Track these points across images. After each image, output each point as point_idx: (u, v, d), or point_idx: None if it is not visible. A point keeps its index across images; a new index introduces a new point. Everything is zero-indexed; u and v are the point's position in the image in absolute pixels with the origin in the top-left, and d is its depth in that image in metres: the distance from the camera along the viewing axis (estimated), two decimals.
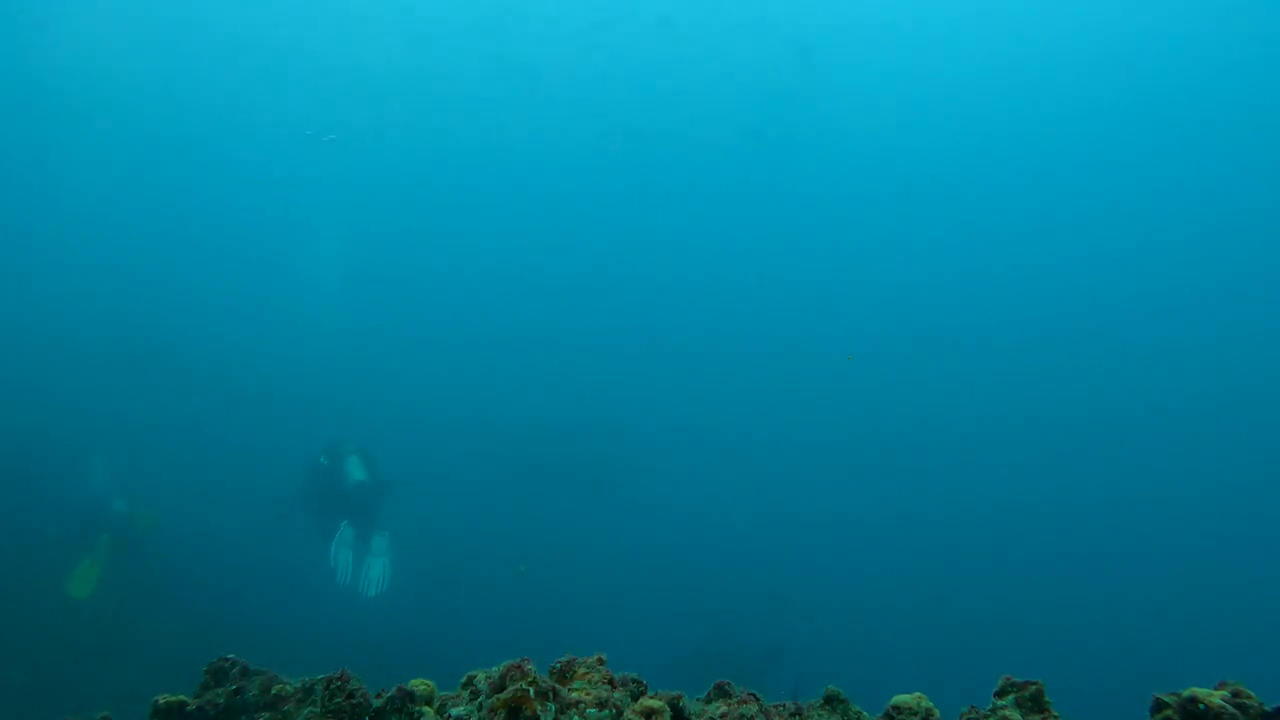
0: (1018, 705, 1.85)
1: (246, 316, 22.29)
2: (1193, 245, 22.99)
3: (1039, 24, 20.64)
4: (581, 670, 1.73)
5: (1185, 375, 23.23)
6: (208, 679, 2.37)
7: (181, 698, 2.26)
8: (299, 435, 12.63)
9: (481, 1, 21.07)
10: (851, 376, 23.37)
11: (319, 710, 1.83)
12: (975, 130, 23.29)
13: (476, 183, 25.31)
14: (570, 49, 21.99)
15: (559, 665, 1.75)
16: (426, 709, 1.88)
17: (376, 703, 1.84)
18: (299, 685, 2.32)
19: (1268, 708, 1.66)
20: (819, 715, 1.95)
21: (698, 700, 1.98)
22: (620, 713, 1.64)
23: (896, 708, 1.89)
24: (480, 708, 1.68)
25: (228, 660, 2.39)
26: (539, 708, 1.55)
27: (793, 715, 1.91)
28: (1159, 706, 1.75)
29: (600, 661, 1.76)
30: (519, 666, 1.62)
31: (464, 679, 2.00)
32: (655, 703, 1.68)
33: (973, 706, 1.91)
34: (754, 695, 1.91)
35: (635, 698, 1.78)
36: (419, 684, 1.99)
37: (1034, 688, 1.86)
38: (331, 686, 1.84)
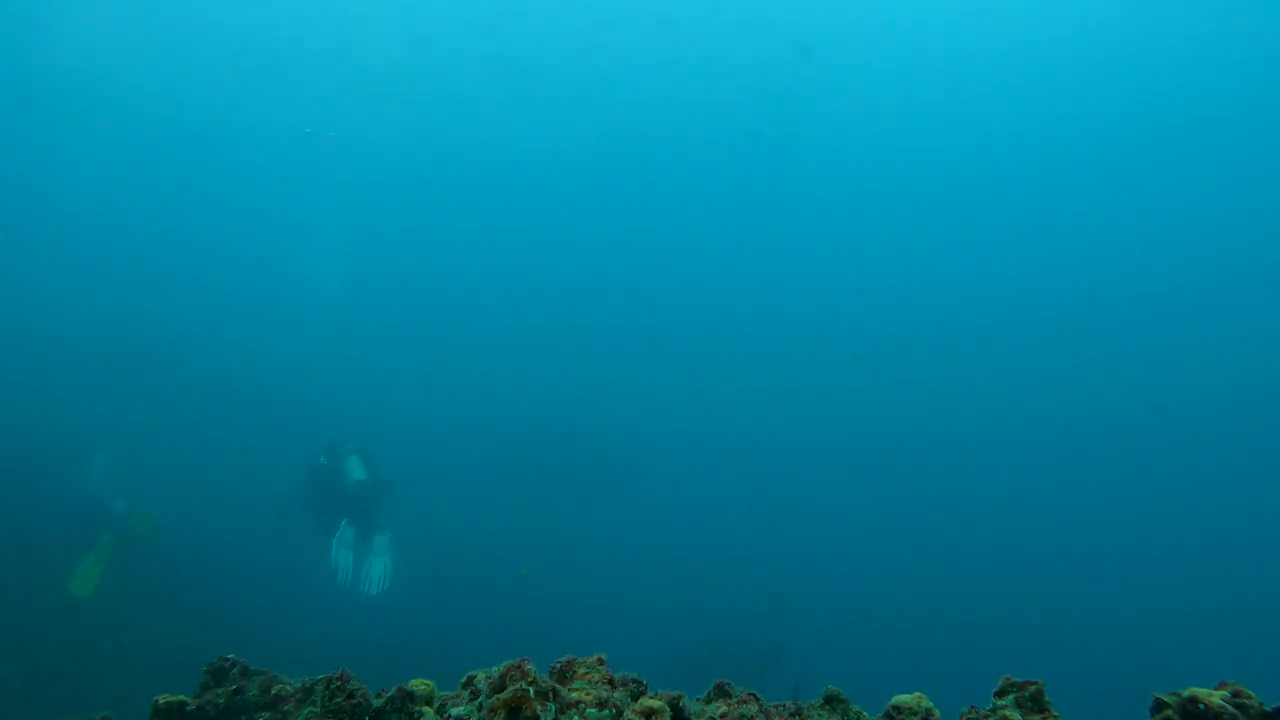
0: (1018, 705, 1.85)
1: (246, 316, 22.30)
2: (1192, 245, 23.00)
3: (1039, 23, 20.64)
4: (581, 670, 1.73)
5: (1185, 375, 23.23)
6: (208, 679, 2.37)
7: (181, 698, 2.26)
8: (299, 435, 12.63)
9: (482, 1, 21.07)
10: (851, 376, 23.37)
11: (319, 710, 1.83)
12: (975, 130, 23.30)
13: (476, 182, 25.32)
14: (570, 49, 22.00)
15: (559, 665, 1.75)
16: (426, 709, 1.88)
17: (376, 703, 1.84)
18: (299, 685, 2.32)
19: (1268, 708, 1.66)
20: (819, 715, 1.95)
21: (698, 700, 1.98)
22: (620, 713, 1.64)
23: (896, 708, 1.89)
24: (480, 708, 1.68)
25: (228, 660, 2.39)
26: (539, 708, 1.55)
27: (793, 715, 1.91)
28: (1159, 706, 1.75)
29: (600, 661, 1.76)
30: (519, 666, 1.62)
31: (464, 679, 2.00)
32: (655, 703, 1.68)
33: (973, 706, 1.91)
34: (754, 695, 1.91)
35: (635, 698, 1.78)
36: (419, 684, 1.99)
37: (1034, 688, 1.86)
38: (331, 686, 1.84)
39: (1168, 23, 19.96)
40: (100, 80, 20.74)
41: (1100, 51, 20.77)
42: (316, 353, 20.69)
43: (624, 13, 21.18)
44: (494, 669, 1.70)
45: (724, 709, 1.83)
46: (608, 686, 1.69)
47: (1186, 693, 1.72)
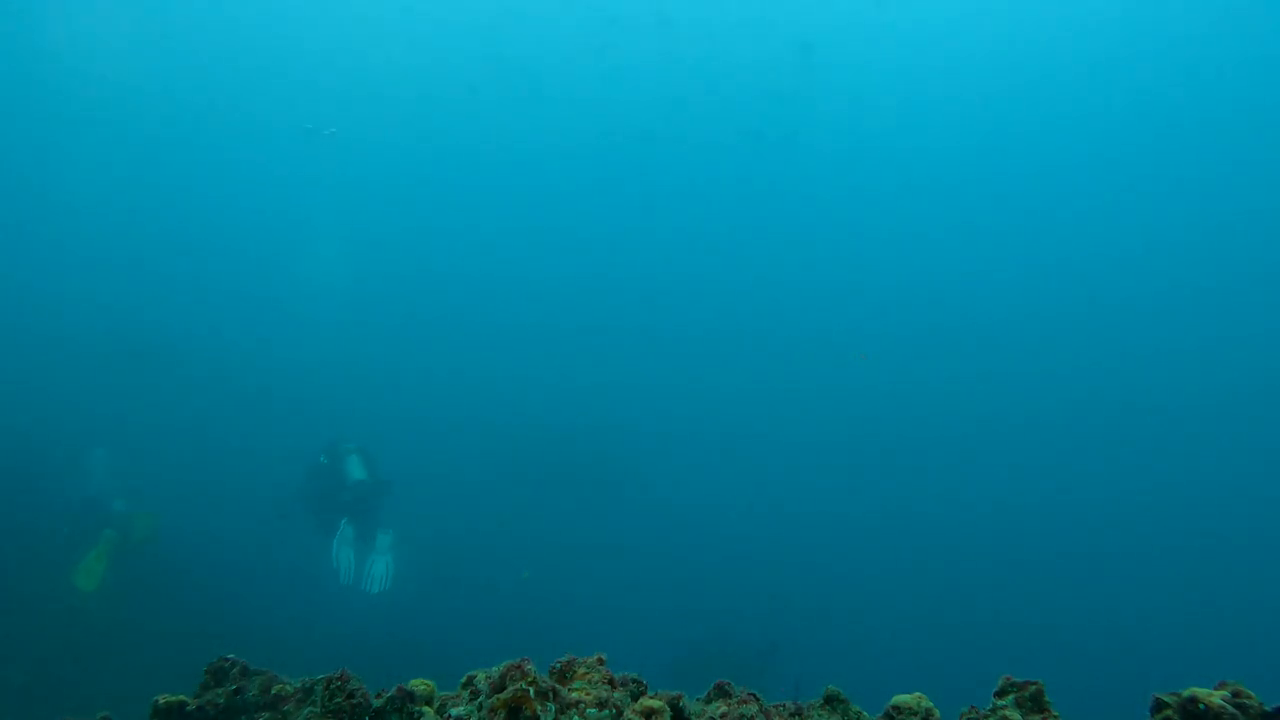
0: (1018, 705, 1.85)
1: (246, 316, 22.29)
2: (1193, 245, 23.00)
3: (1040, 22, 20.63)
4: (581, 670, 1.73)
5: (1185, 375, 23.23)
6: (208, 679, 2.37)
7: (181, 698, 2.26)
8: (299, 435, 12.63)
9: (483, 2, 21.07)
10: (851, 376, 23.37)
11: (319, 710, 1.83)
12: (975, 130, 23.29)
13: (477, 182, 25.32)
14: (572, 49, 22.00)
15: (559, 665, 1.75)
16: (426, 709, 1.88)
17: (376, 703, 1.84)
18: (299, 685, 2.32)
19: (1268, 708, 1.66)
20: (819, 715, 1.95)
21: (698, 700, 1.98)
22: (620, 713, 1.64)
23: (896, 708, 1.89)
24: (480, 708, 1.68)
25: (228, 660, 2.39)
26: (539, 708, 1.55)
27: (793, 715, 1.91)
28: (1159, 706, 1.75)
29: (600, 661, 1.76)
30: (519, 666, 1.62)
31: (464, 679, 2.00)
32: (655, 703, 1.68)
33: (973, 706, 1.91)
34: (754, 695, 1.91)
35: (635, 698, 1.78)
36: (419, 684, 1.99)
37: (1034, 688, 1.86)
38: (331, 686, 1.84)
39: (1168, 23, 19.96)
40: (100, 80, 20.74)
41: (1102, 50, 20.78)
42: (316, 353, 20.69)
43: (625, 12, 21.18)
44: (494, 669, 1.70)
45: (724, 709, 1.83)
46: (608, 686, 1.69)
47: (1186, 693, 1.72)
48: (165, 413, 16.17)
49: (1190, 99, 21.29)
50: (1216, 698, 1.67)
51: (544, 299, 24.52)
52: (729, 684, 2.01)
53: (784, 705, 1.94)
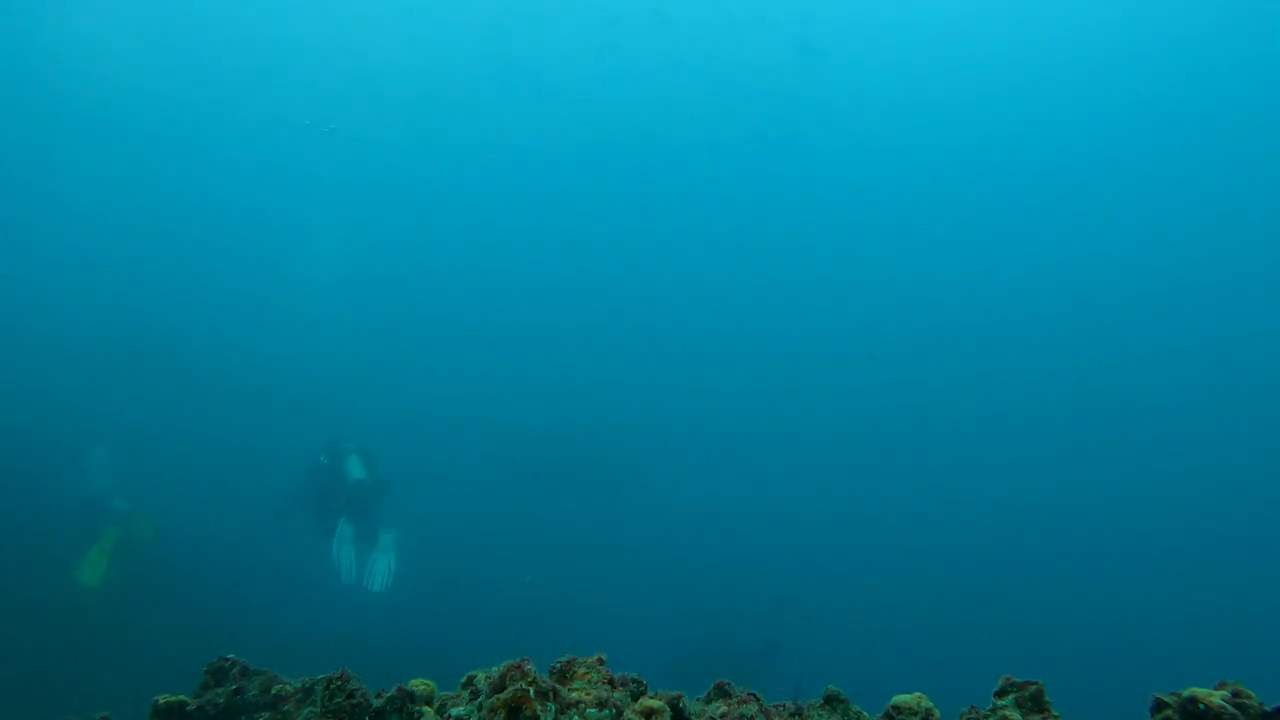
0: (1018, 705, 1.85)
1: (246, 316, 22.30)
2: (1193, 245, 23.00)
3: (1043, 20, 20.63)
4: (581, 670, 1.73)
5: (1185, 375, 23.23)
6: (208, 679, 2.37)
7: (181, 698, 2.26)
8: (299, 435, 12.63)
9: (483, 2, 21.06)
10: (852, 376, 23.37)
11: (319, 710, 1.83)
12: (976, 129, 23.29)
13: (478, 182, 25.32)
14: (573, 48, 21.99)
15: (559, 665, 1.75)
16: (426, 709, 1.88)
17: (376, 703, 1.84)
18: (299, 685, 2.32)
19: (1268, 708, 1.66)
20: (819, 715, 1.95)
21: (698, 700, 1.98)
22: (620, 713, 1.64)
23: (896, 708, 1.89)
24: (480, 708, 1.68)
25: (228, 660, 2.40)
26: (539, 708, 1.55)
27: (793, 715, 1.91)
28: (1159, 706, 1.75)
29: (600, 661, 1.76)
30: (519, 666, 1.62)
31: (464, 679, 2.00)
32: (655, 703, 1.68)
33: (973, 706, 1.91)
34: (754, 695, 1.91)
35: (635, 698, 1.78)
36: (419, 684, 1.99)
37: (1034, 688, 1.86)
38: (331, 686, 1.84)
39: (1169, 23, 19.96)
40: (100, 80, 20.74)
41: (1106, 48, 20.76)
42: (316, 353, 20.69)
43: (627, 12, 21.17)
44: (494, 669, 1.70)
45: (724, 709, 1.83)
46: (608, 686, 1.69)
47: (1186, 693, 1.72)
48: (165, 412, 16.18)
49: (1193, 98, 21.29)
50: (1216, 698, 1.67)
51: (544, 299, 24.53)
52: (729, 684, 2.01)
53: (784, 705, 1.94)
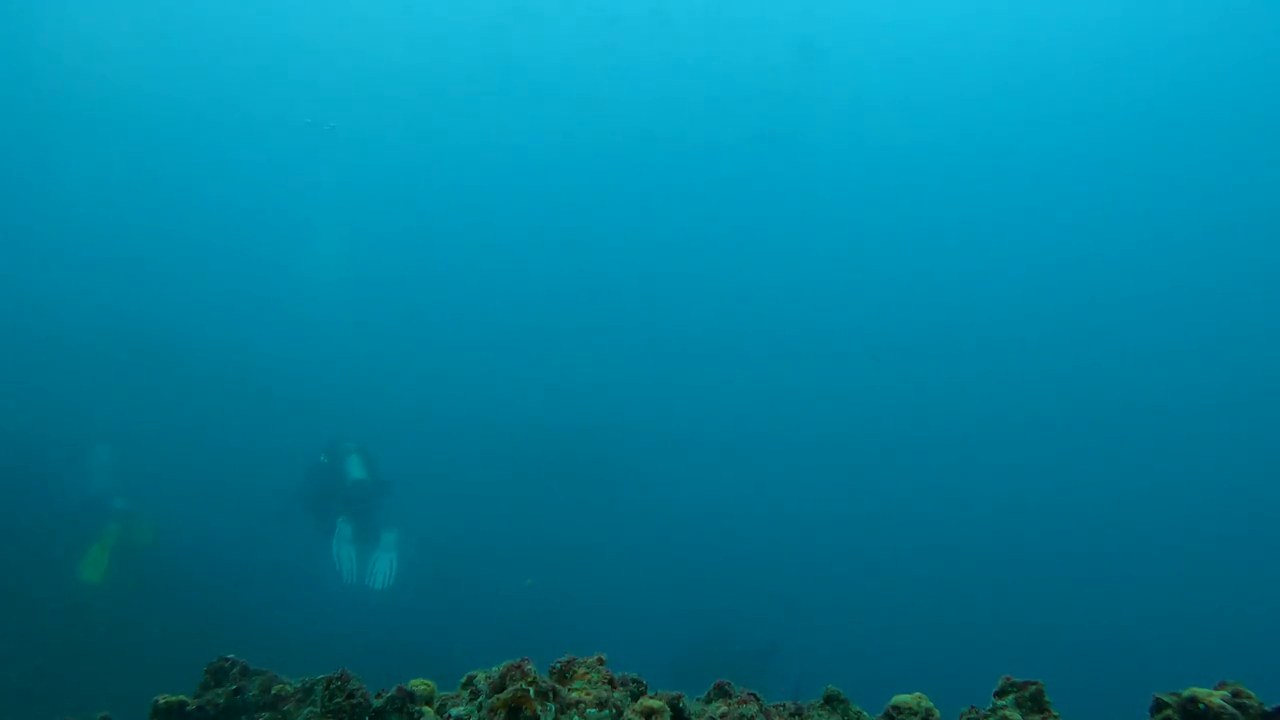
0: (1018, 705, 1.85)
1: (246, 316, 22.29)
2: (1193, 245, 23.00)
3: (1043, 20, 20.63)
4: (581, 670, 1.73)
5: (1185, 375, 23.23)
6: (208, 679, 2.37)
7: (181, 698, 2.26)
8: (299, 435, 12.63)
9: (485, 1, 21.06)
10: (852, 376, 23.37)
11: (319, 710, 1.83)
12: (978, 129, 23.29)
13: (479, 181, 25.32)
14: (574, 48, 21.99)
15: (559, 665, 1.75)
16: (426, 709, 1.88)
17: (376, 703, 1.84)
18: (299, 685, 2.32)
19: (1268, 708, 1.66)
20: (819, 715, 1.95)
21: (698, 700, 1.98)
22: (620, 713, 1.64)
23: (896, 708, 1.89)
24: (480, 708, 1.68)
25: (228, 660, 2.40)
26: (539, 708, 1.55)
27: (793, 715, 1.91)
28: (1159, 706, 1.75)
29: (600, 661, 1.76)
30: (519, 666, 1.62)
31: (464, 679, 2.00)
32: (655, 703, 1.68)
33: (973, 706, 1.91)
34: (754, 695, 1.91)
35: (635, 698, 1.78)
36: (419, 684, 1.99)
37: (1034, 688, 1.86)
38: (331, 686, 1.84)
39: (1171, 23, 19.96)
40: (100, 80, 20.74)
41: (1107, 47, 20.76)
42: (316, 353, 20.69)
43: (627, 11, 21.17)
44: (494, 669, 1.70)
45: (724, 709, 1.83)
46: (608, 686, 1.69)
47: (1186, 693, 1.72)
48: (165, 412, 16.18)
49: (1194, 98, 21.29)
50: (1216, 698, 1.67)
51: (544, 299, 24.52)
52: (729, 684, 2.01)
53: (784, 705, 1.94)
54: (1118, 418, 23.13)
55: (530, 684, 1.58)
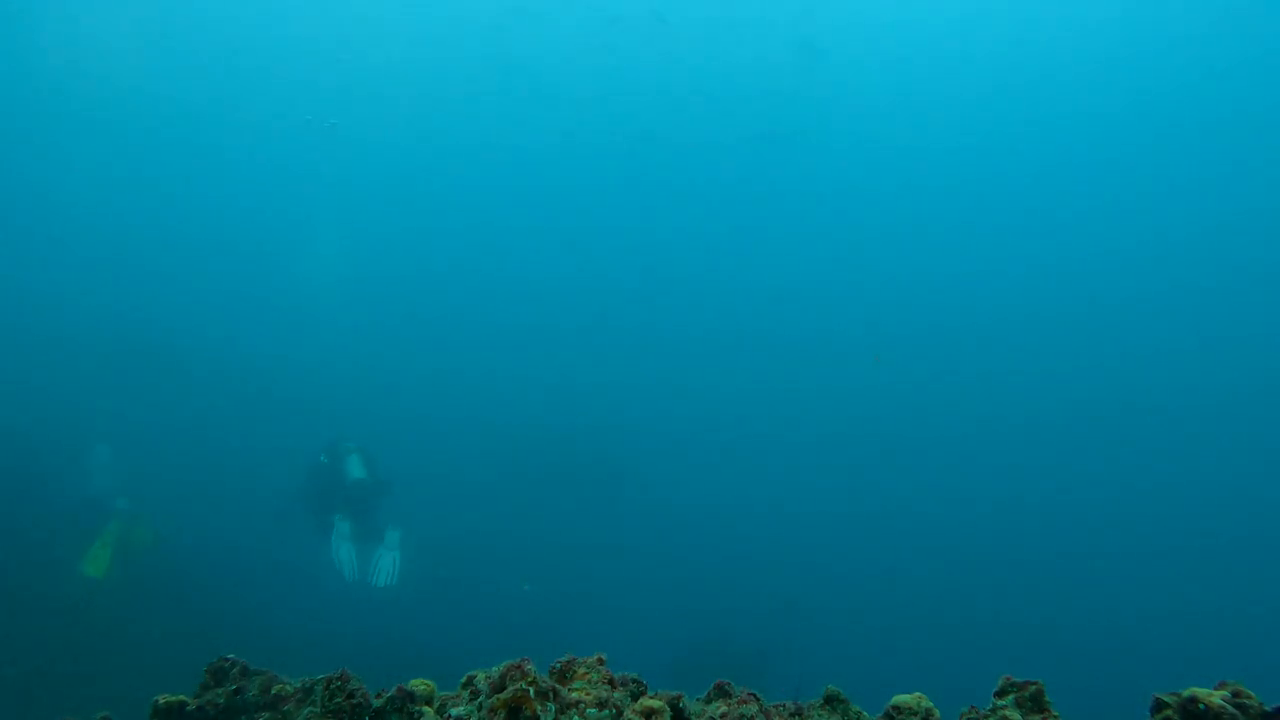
0: (1018, 705, 1.85)
1: (246, 316, 22.29)
2: (1193, 245, 23.01)
3: (1045, 19, 20.63)
4: (581, 670, 1.73)
5: (1185, 375, 23.23)
6: (208, 679, 2.37)
7: (181, 698, 2.26)
8: (299, 435, 12.63)
9: (484, 0, 21.05)
10: (852, 377, 23.36)
11: (319, 710, 1.83)
12: (979, 129, 23.29)
13: (479, 181, 25.31)
14: (576, 47, 21.98)
15: (559, 665, 1.75)
16: (426, 709, 1.88)
17: (376, 703, 1.84)
18: (299, 685, 2.32)
19: (1268, 708, 1.66)
20: (819, 715, 1.95)
21: (698, 700, 1.98)
22: (620, 713, 1.64)
23: (896, 708, 1.89)
24: (480, 708, 1.68)
25: (228, 660, 2.40)
26: (539, 708, 1.55)
27: (793, 715, 1.91)
28: (1159, 706, 1.75)
29: (600, 661, 1.76)
30: (519, 666, 1.62)
31: (464, 679, 2.00)
32: (655, 703, 1.68)
33: (973, 706, 1.91)
34: (754, 695, 1.91)
35: (635, 698, 1.78)
36: (419, 684, 1.99)
37: (1034, 688, 1.86)
38: (331, 686, 1.84)
39: (1172, 23, 19.97)
40: (100, 80, 20.74)
41: (1109, 46, 20.76)
42: (316, 353, 20.69)
43: (627, 11, 21.17)
44: (494, 669, 1.71)
45: (724, 709, 1.83)
46: (608, 686, 1.69)
47: (1186, 693, 1.72)
48: (165, 412, 16.18)
49: (1195, 98, 21.29)
50: (1216, 698, 1.67)
51: (544, 299, 24.52)
52: (729, 684, 2.01)
53: (784, 705, 1.94)
54: (1117, 418, 23.13)
55: (530, 684, 1.58)
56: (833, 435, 22.48)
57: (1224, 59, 20.23)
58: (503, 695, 1.58)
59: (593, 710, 1.60)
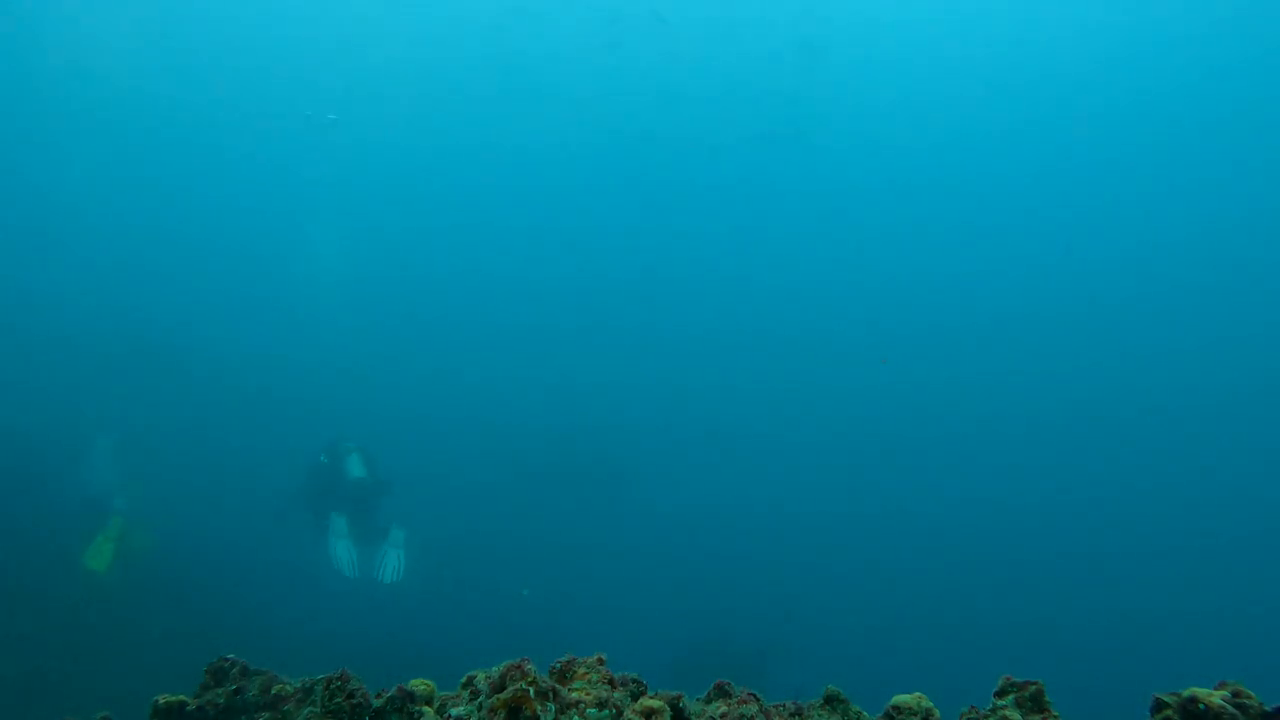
0: (1018, 705, 1.85)
1: (246, 315, 22.29)
2: (1194, 245, 23.01)
3: (1046, 18, 20.63)
4: (581, 670, 1.73)
5: (1185, 375, 23.23)
6: (208, 679, 2.37)
7: (181, 698, 2.27)
8: (299, 435, 12.63)
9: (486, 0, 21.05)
10: (852, 377, 23.36)
11: (319, 710, 1.83)
12: (980, 128, 23.28)
13: (479, 181, 25.31)
14: (577, 47, 21.98)
15: (559, 665, 1.75)
16: (426, 709, 1.88)
17: (376, 703, 1.84)
18: (299, 685, 2.32)
19: (1268, 708, 1.66)
20: (819, 715, 1.95)
21: (698, 700, 1.98)
22: (620, 713, 1.64)
23: (896, 708, 1.89)
24: (480, 708, 1.68)
25: (228, 660, 2.40)
26: (539, 708, 1.55)
27: (793, 715, 1.91)
28: (1159, 706, 1.75)
29: (600, 661, 1.76)
30: (519, 666, 1.62)
31: (464, 679, 2.00)
32: (655, 703, 1.69)
33: (973, 706, 1.91)
34: (754, 695, 1.91)
35: (635, 698, 1.78)
36: (419, 684, 1.99)
37: (1034, 688, 1.86)
38: (331, 686, 1.84)
39: (1173, 23, 19.97)
40: (100, 79, 20.73)
41: (1111, 44, 20.75)
42: (317, 353, 20.69)
43: (629, 10, 21.15)
44: (494, 669, 1.71)
45: (724, 709, 1.83)
46: (608, 686, 1.69)
47: (1186, 693, 1.72)
48: (165, 412, 16.18)
49: (1196, 98, 21.28)
50: (1216, 698, 1.67)
51: (544, 299, 24.52)
52: (729, 684, 2.01)
53: (784, 705, 1.94)
54: (1117, 418, 23.13)
55: (530, 684, 1.58)
56: (832, 435, 22.49)
57: (1224, 59, 20.22)
58: (503, 695, 1.58)
59: (593, 710, 1.60)
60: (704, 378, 23.33)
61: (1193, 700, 1.69)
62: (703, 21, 21.30)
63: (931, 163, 23.79)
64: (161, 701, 2.23)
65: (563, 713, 1.58)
